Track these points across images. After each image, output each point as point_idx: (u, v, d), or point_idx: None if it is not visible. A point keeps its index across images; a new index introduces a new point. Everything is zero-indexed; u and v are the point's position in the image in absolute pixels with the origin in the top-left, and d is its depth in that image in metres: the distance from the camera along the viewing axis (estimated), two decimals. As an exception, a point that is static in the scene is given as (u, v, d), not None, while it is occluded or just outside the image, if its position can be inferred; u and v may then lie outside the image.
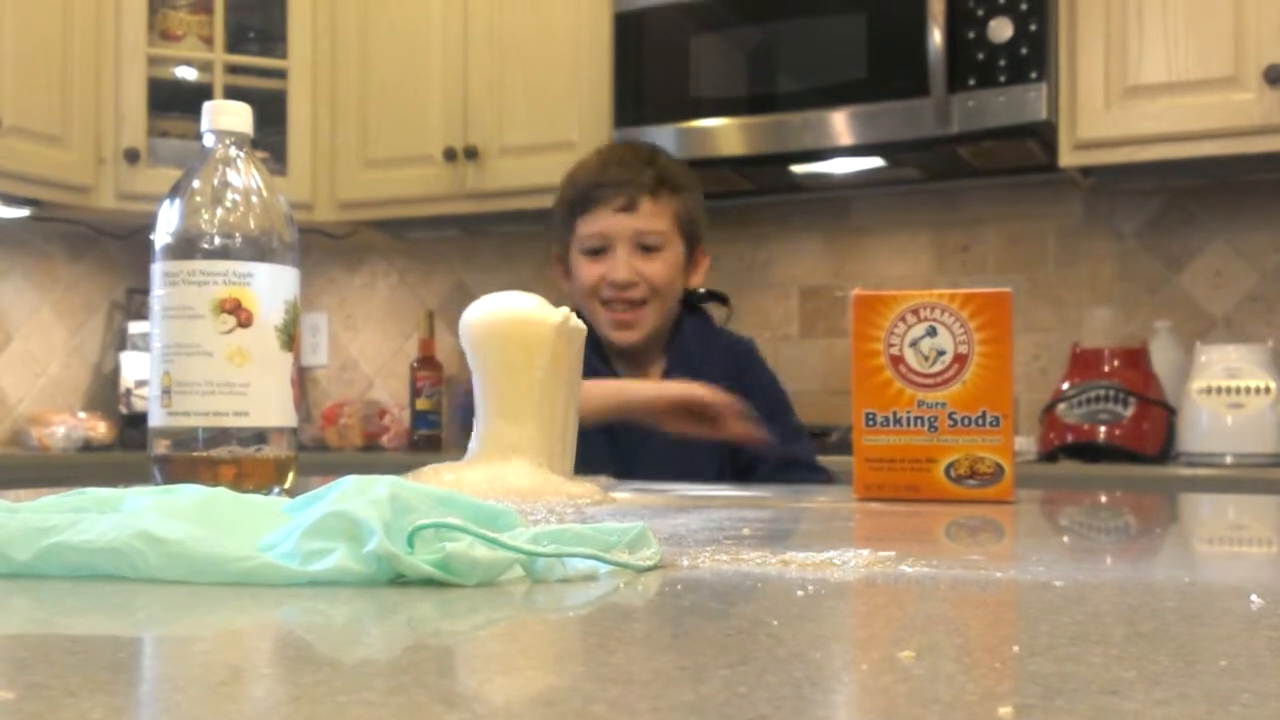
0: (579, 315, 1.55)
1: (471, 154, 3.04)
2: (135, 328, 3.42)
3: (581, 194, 1.77)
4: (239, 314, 0.94)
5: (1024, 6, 2.45)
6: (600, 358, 1.72)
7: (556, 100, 2.98)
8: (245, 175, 0.97)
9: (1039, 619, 0.41)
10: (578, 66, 2.95)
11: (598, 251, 1.73)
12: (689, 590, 0.46)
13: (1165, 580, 0.51)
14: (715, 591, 0.45)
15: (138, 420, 3.23)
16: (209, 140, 0.98)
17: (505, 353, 1.02)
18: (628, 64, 2.84)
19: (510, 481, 0.97)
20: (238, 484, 0.92)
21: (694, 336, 1.82)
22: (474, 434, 1.03)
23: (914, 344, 1.00)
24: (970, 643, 0.37)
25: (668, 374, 1.74)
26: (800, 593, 0.45)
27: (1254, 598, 0.44)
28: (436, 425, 3.34)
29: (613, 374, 1.72)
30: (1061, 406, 2.56)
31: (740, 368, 1.79)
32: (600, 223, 1.74)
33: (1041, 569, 0.52)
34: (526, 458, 1.00)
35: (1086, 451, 2.50)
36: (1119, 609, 0.43)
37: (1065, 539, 0.69)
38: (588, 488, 0.97)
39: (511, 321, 1.02)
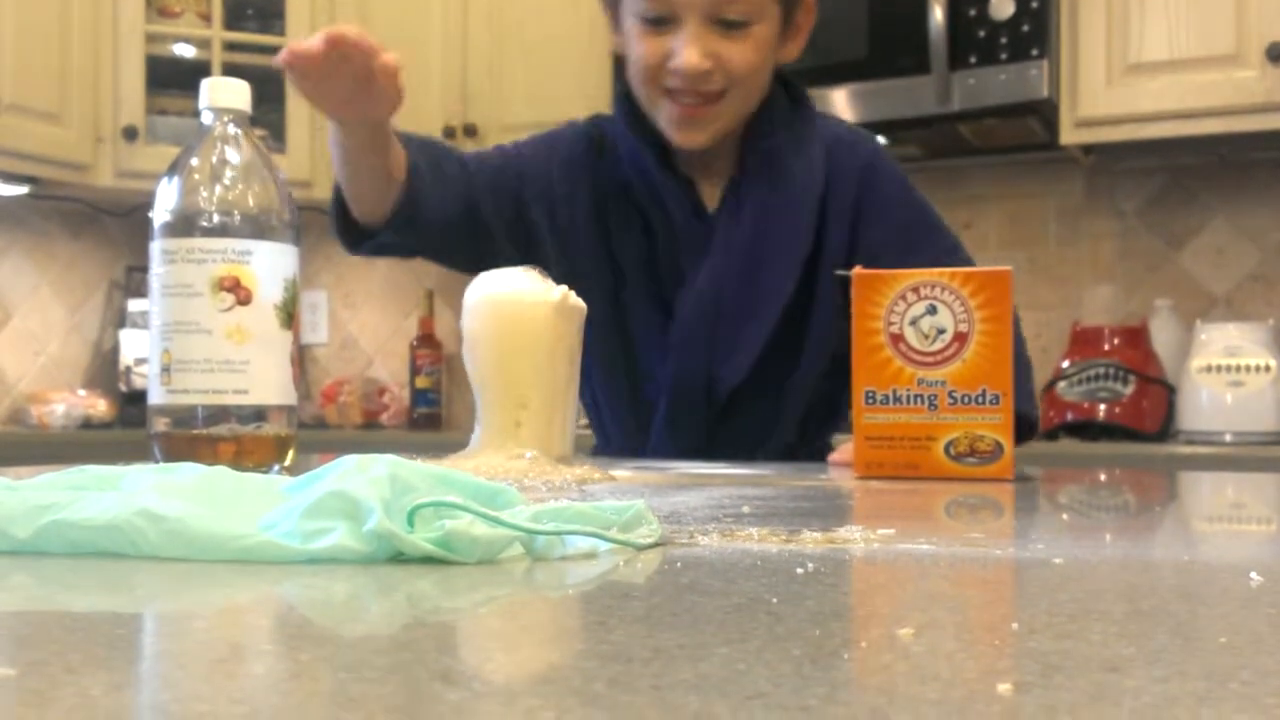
0: (628, 99, 1.38)
1: (471, 132, 3.04)
2: (135, 305, 3.42)
3: None
4: (238, 292, 0.94)
5: (1026, -17, 2.44)
6: (655, 153, 1.36)
7: (556, 78, 2.97)
8: (244, 152, 0.97)
9: (1038, 596, 0.41)
10: (577, 47, 2.94)
11: (660, 23, 1.29)
12: (689, 568, 0.46)
13: (1165, 558, 0.51)
14: (715, 569, 0.45)
15: (137, 398, 3.23)
16: (207, 118, 0.97)
17: (504, 333, 1.02)
18: (627, 41, 2.83)
19: (510, 466, 0.97)
20: (237, 462, 0.92)
21: (785, 132, 1.38)
22: (476, 417, 1.03)
23: (914, 322, 1.00)
24: (970, 620, 0.37)
25: (740, 185, 1.36)
26: (800, 570, 0.45)
27: (1254, 575, 0.44)
28: (436, 403, 3.35)
29: (670, 177, 1.36)
30: (1061, 384, 2.56)
31: (860, 181, 1.36)
32: None
33: (1041, 547, 0.52)
34: (526, 437, 1.00)
35: (1086, 429, 2.50)
36: (1118, 586, 0.43)
37: (1065, 517, 0.69)
38: (587, 467, 0.97)
39: (510, 302, 1.02)
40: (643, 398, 1.39)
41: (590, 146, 1.42)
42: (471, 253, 1.36)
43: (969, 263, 1.37)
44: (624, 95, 1.39)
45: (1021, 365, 1.37)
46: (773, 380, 1.34)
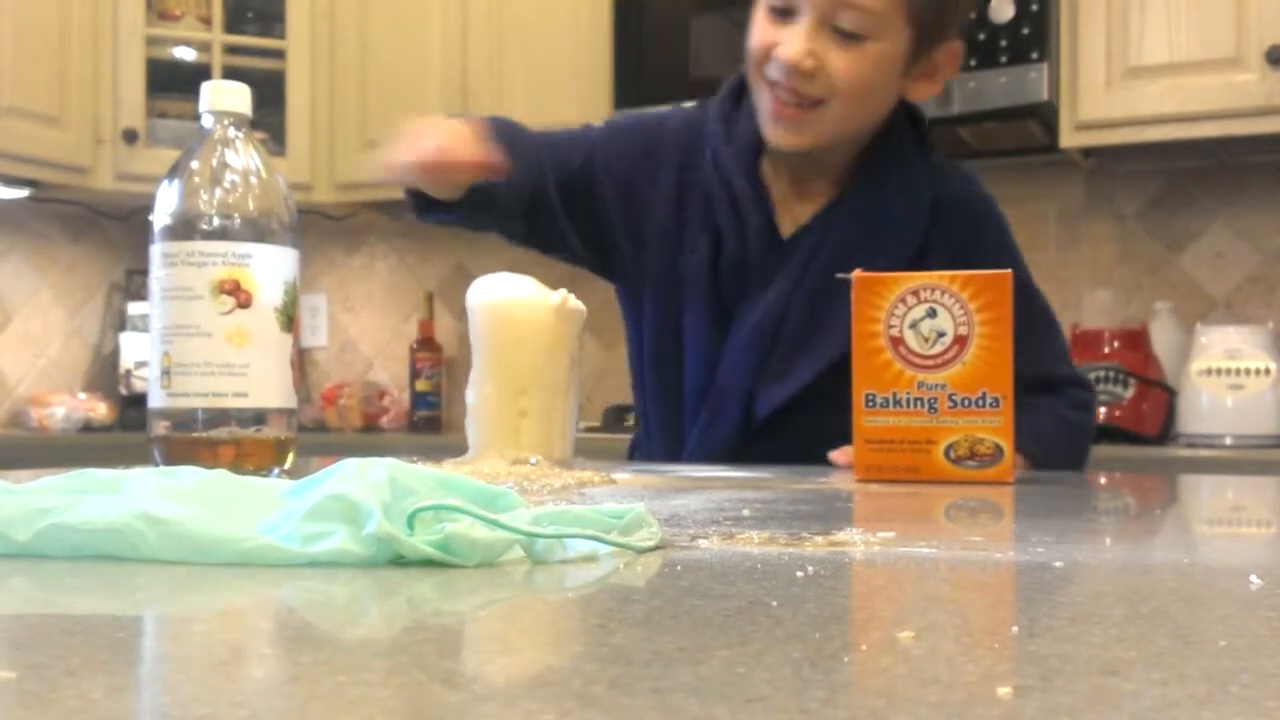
0: (729, 101, 1.35)
1: (471, 135, 3.04)
2: (135, 308, 3.42)
3: None
4: (238, 295, 0.94)
5: (1025, -14, 2.44)
6: (745, 161, 1.32)
7: (556, 80, 2.97)
8: (244, 156, 0.97)
9: (1038, 600, 0.41)
10: (578, 46, 2.94)
11: (783, 14, 1.25)
12: (689, 571, 0.46)
13: (1165, 561, 0.51)
14: (715, 572, 0.45)
15: (137, 401, 3.23)
16: (207, 121, 0.98)
17: (505, 336, 1.02)
18: (628, 43, 2.84)
19: (509, 469, 0.97)
20: (237, 465, 0.92)
21: (893, 165, 1.32)
22: (473, 415, 1.03)
23: (914, 325, 1.00)
24: (970, 623, 0.37)
25: (831, 215, 1.31)
26: (800, 573, 0.45)
27: (1253, 578, 0.44)
28: (436, 406, 3.35)
29: (754, 191, 1.31)
30: (1061, 388, 2.56)
31: (965, 230, 1.31)
32: None
33: (1041, 550, 0.52)
34: (526, 439, 1.00)
35: (1086, 433, 2.50)
36: (1118, 590, 0.43)
37: (1064, 520, 0.69)
38: (587, 471, 0.97)
39: (510, 305, 1.02)
40: (684, 401, 1.38)
41: (688, 136, 1.38)
42: (540, 234, 1.36)
43: (1064, 341, 1.38)
44: (725, 97, 1.36)
45: (1048, 327, 1.37)
46: (816, 406, 1.29)
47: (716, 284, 1.34)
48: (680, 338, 1.36)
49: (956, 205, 1.33)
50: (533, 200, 1.32)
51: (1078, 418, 1.34)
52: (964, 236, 1.31)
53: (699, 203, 1.35)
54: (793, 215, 1.34)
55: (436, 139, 1.18)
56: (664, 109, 1.46)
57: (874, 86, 1.26)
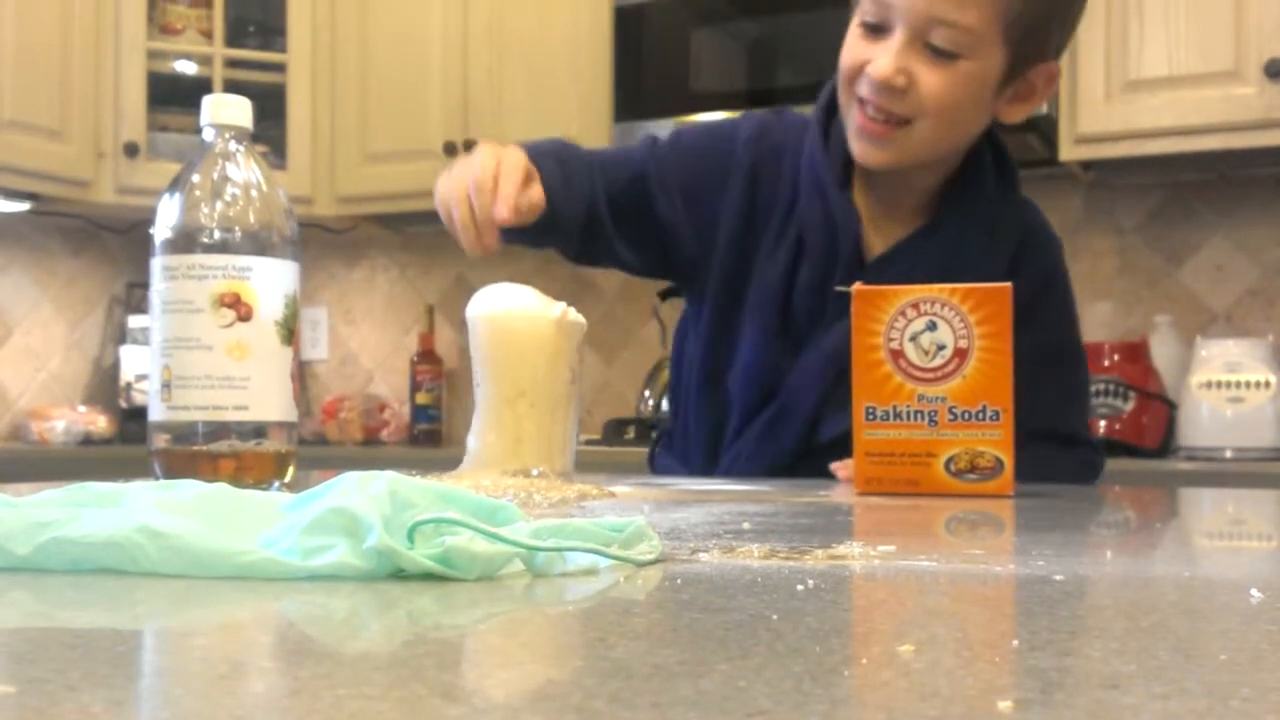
0: (825, 112, 1.32)
1: (471, 147, 3.04)
2: (135, 322, 3.42)
3: None
4: (239, 308, 0.94)
5: None
6: (839, 175, 1.31)
7: (557, 94, 2.98)
8: (245, 169, 0.97)
9: (1039, 613, 0.41)
10: (578, 60, 2.95)
11: (876, 30, 1.23)
12: (689, 584, 0.46)
13: (1165, 574, 0.51)
14: (715, 586, 0.45)
15: (138, 414, 3.23)
16: (209, 134, 0.98)
17: (505, 349, 1.02)
18: (628, 58, 2.84)
19: (510, 483, 0.97)
20: (237, 478, 0.92)
21: (979, 197, 1.31)
22: (473, 429, 1.03)
23: (914, 338, 1.00)
24: (970, 637, 0.37)
25: (917, 242, 1.30)
26: (800, 587, 0.45)
27: (1254, 592, 0.44)
28: (437, 419, 3.35)
29: (848, 205, 1.30)
30: (1062, 401, 2.56)
31: (1042, 289, 1.31)
32: None
33: (1041, 563, 0.52)
34: (526, 452, 1.00)
35: (1086, 446, 2.50)
36: (1119, 603, 0.43)
37: (1065, 533, 0.69)
38: (587, 485, 0.97)
39: (510, 317, 1.02)
40: (730, 410, 1.36)
41: (762, 144, 1.36)
42: (592, 250, 1.35)
43: (1090, 405, 1.38)
44: (822, 107, 1.34)
45: (1080, 390, 1.37)
46: None
47: (789, 298, 1.32)
48: (736, 346, 1.35)
49: (1037, 249, 1.34)
50: (587, 219, 1.31)
51: (1083, 476, 1.34)
52: (1040, 283, 1.32)
53: (779, 213, 1.34)
54: (878, 239, 1.33)
55: (483, 185, 1.16)
56: (735, 116, 1.44)
57: (964, 106, 1.24)
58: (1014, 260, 1.31)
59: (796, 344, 1.32)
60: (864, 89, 1.24)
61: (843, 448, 1.24)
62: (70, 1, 2.99)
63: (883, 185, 1.32)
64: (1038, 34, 1.23)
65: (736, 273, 1.35)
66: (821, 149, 1.32)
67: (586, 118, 2.93)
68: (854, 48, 1.25)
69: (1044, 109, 2.44)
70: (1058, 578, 0.48)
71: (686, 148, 1.39)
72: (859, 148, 1.27)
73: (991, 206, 1.32)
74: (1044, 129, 2.53)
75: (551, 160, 1.27)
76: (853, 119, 1.27)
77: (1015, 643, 0.35)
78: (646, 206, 1.36)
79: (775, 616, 0.38)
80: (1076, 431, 1.36)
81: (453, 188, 1.18)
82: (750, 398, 1.33)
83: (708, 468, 1.39)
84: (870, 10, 1.23)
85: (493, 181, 1.15)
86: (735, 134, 1.38)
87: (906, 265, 1.29)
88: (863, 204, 1.33)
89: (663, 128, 2.77)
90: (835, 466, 1.19)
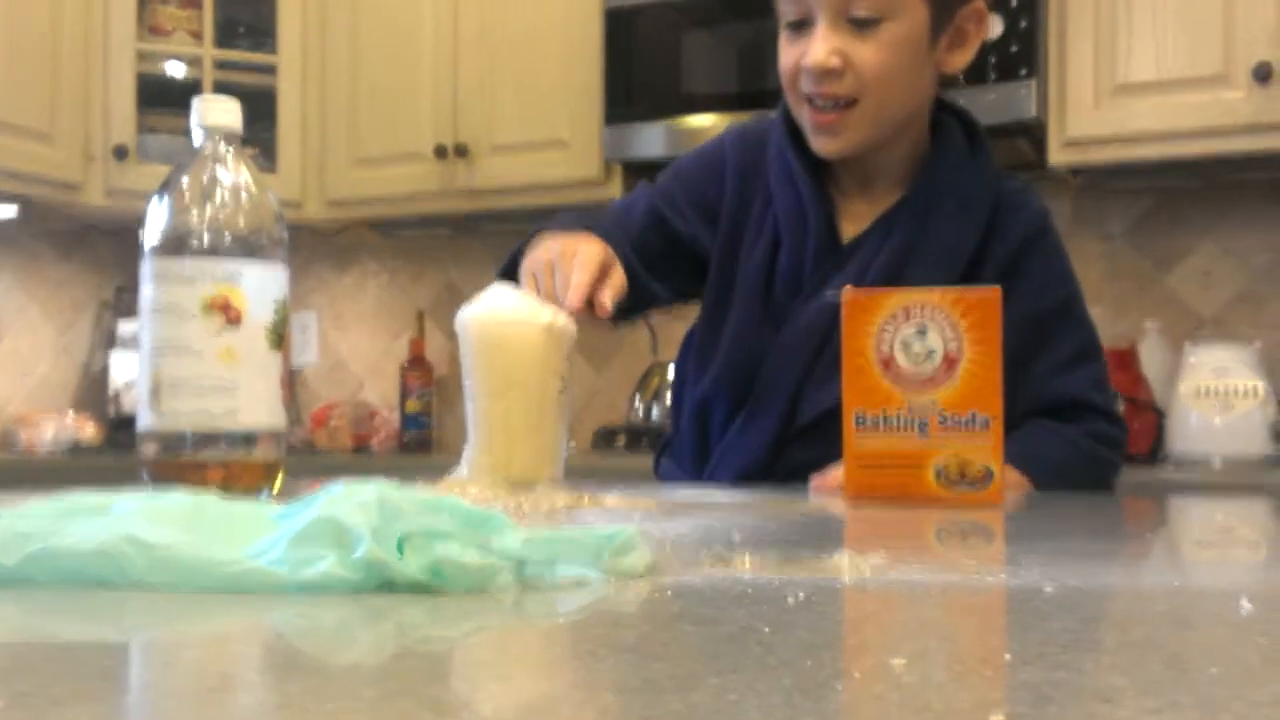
0: (787, 116, 1.34)
1: (462, 151, 3.04)
2: (125, 327, 3.41)
3: None
4: (228, 313, 0.94)
5: (1014, 3, 2.46)
6: (807, 166, 1.33)
7: (547, 97, 2.97)
8: (235, 172, 0.97)
9: (1030, 625, 0.41)
10: (569, 63, 2.95)
11: (800, 26, 1.27)
12: (679, 596, 0.46)
13: (1155, 585, 0.51)
14: (705, 598, 0.45)
15: (127, 422, 3.22)
16: (198, 137, 0.97)
17: (494, 357, 1.02)
18: (618, 61, 2.84)
19: (499, 491, 0.97)
20: (226, 486, 0.91)
21: (949, 170, 1.33)
22: (466, 438, 1.03)
23: (904, 344, 1.00)
24: (962, 649, 0.37)
25: (893, 218, 1.31)
26: (791, 599, 0.45)
27: (1244, 602, 0.44)
28: (427, 427, 3.34)
29: (817, 193, 1.32)
30: (1051, 406, 2.57)
31: (1021, 249, 1.30)
32: None
33: (1032, 574, 0.52)
34: (515, 459, 1.00)
35: (1076, 451, 2.50)
36: (1110, 615, 0.43)
37: (1055, 543, 0.69)
38: (577, 494, 0.97)
39: (499, 324, 1.02)
40: (714, 402, 1.37)
41: (746, 147, 1.40)
42: (642, 301, 1.36)
43: (1103, 370, 1.33)
44: (783, 111, 1.38)
45: (1087, 350, 1.33)
46: None
47: (770, 285, 1.35)
48: (721, 341, 1.37)
49: (1013, 212, 1.32)
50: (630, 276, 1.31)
51: (1095, 451, 1.29)
52: (1020, 241, 1.31)
53: (759, 208, 1.37)
54: (855, 222, 1.35)
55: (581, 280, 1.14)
56: (724, 119, 1.47)
57: (903, 68, 1.26)
58: (989, 227, 1.31)
59: (776, 329, 1.34)
60: (806, 84, 1.27)
61: (824, 432, 1.24)
62: (59, 2, 2.98)
63: (854, 169, 1.35)
64: None
65: (726, 270, 1.38)
66: (788, 143, 1.36)
67: (577, 120, 2.93)
68: (786, 52, 1.29)
69: (1033, 113, 2.44)
70: (1048, 589, 0.48)
71: (684, 167, 1.44)
72: (818, 143, 1.30)
73: (961, 176, 1.32)
74: (1033, 133, 2.54)
75: (600, 232, 1.28)
76: (805, 119, 1.30)
77: (1007, 656, 0.35)
78: (666, 235, 1.39)
79: (766, 629, 0.38)
80: (1084, 396, 1.30)
81: (533, 269, 1.18)
82: (734, 384, 1.35)
83: (699, 467, 1.40)
84: (789, 10, 1.27)
85: (567, 272, 1.15)
86: (722, 141, 1.44)
87: (879, 241, 1.31)
88: (838, 191, 1.36)
89: (654, 130, 2.78)
90: (815, 480, 1.18)
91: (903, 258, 1.30)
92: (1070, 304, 1.33)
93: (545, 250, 1.18)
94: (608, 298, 1.13)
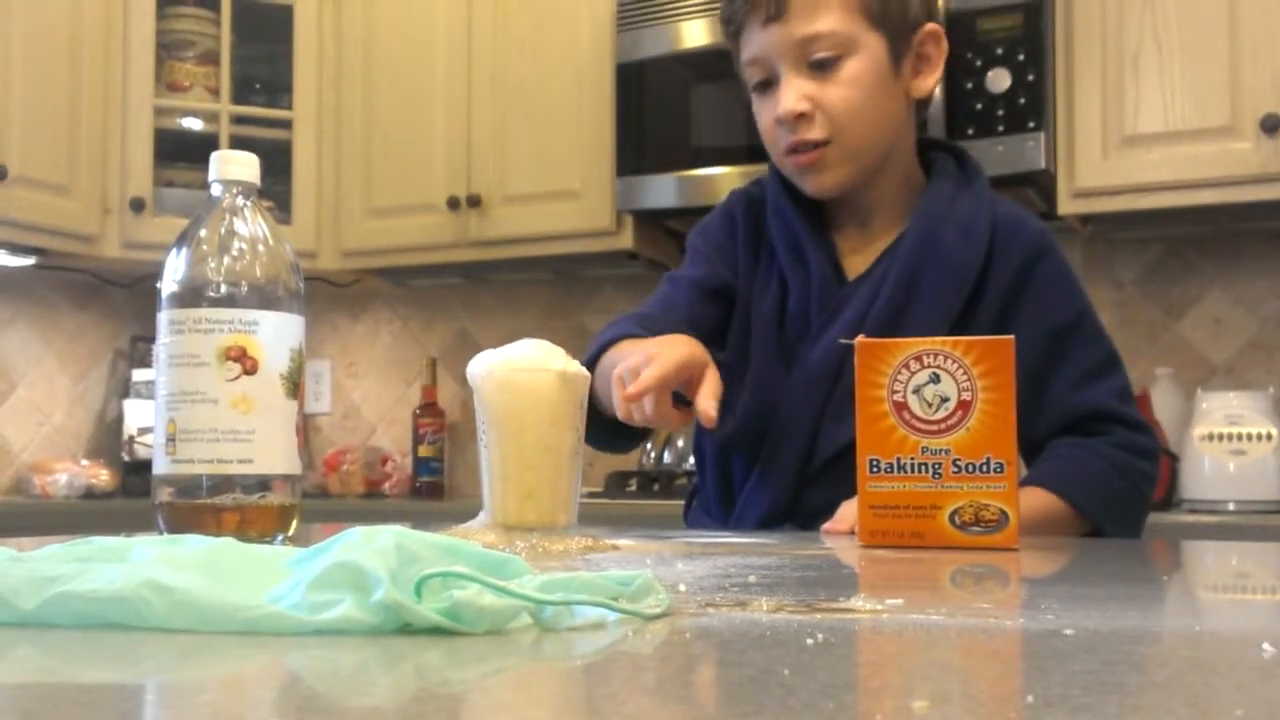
0: (777, 173, 1.36)
1: (475, 202, 3.06)
2: (139, 375, 3.42)
3: (727, 10, 1.34)
4: (244, 361, 0.94)
5: (1021, 57, 2.47)
6: (803, 212, 1.35)
7: (559, 149, 2.99)
8: (252, 224, 0.97)
9: (1051, 668, 0.40)
10: (580, 116, 2.97)
11: (767, 85, 1.32)
12: (698, 638, 0.45)
13: (1175, 628, 0.51)
14: (724, 640, 0.45)
15: (140, 468, 3.22)
16: (216, 190, 0.98)
17: (508, 403, 1.02)
18: (630, 114, 2.86)
19: (515, 536, 0.97)
20: (241, 531, 0.91)
21: (945, 199, 1.34)
22: (482, 484, 1.03)
23: (917, 390, 1.00)
24: (983, 692, 0.37)
25: (892, 251, 1.32)
26: (810, 641, 0.44)
27: (1266, 646, 0.44)
28: (439, 472, 3.33)
29: (814, 236, 1.35)
30: (1063, 453, 2.55)
31: (1022, 269, 1.30)
32: (751, 44, 1.31)
33: (1051, 617, 0.52)
34: (531, 507, 1.00)
35: (1089, 498, 2.48)
36: (1131, 657, 0.42)
37: (1072, 586, 0.69)
38: (591, 538, 0.97)
39: (512, 371, 1.02)
40: (740, 450, 1.37)
41: (752, 201, 1.43)
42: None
43: (1124, 381, 1.31)
44: (774, 167, 1.41)
45: (1105, 362, 1.30)
46: None
47: (782, 330, 1.36)
48: (743, 390, 1.37)
49: (1013, 233, 1.32)
50: None
51: (1127, 461, 1.26)
52: (1022, 263, 1.31)
53: (765, 261, 1.40)
54: (858, 260, 1.37)
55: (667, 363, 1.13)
56: (723, 202, 1.49)
57: (871, 99, 1.29)
58: (990, 250, 1.31)
59: (789, 372, 1.35)
60: (783, 137, 1.31)
61: (843, 471, 1.23)
62: (79, 59, 3.01)
63: (850, 209, 1.37)
64: (899, 6, 1.29)
65: (742, 321, 1.39)
66: (782, 193, 1.38)
67: (589, 173, 2.94)
68: (761, 113, 1.34)
69: (1042, 164, 2.45)
70: (1068, 631, 0.47)
71: (704, 228, 1.46)
72: (807, 184, 1.33)
73: (959, 204, 1.33)
74: (1041, 184, 2.55)
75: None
76: (790, 168, 1.34)
77: (1029, 698, 0.35)
78: (716, 299, 1.40)
79: (786, 671, 0.38)
80: (1107, 407, 1.28)
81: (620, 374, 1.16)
82: (753, 429, 1.35)
83: (725, 515, 1.41)
84: (754, 73, 1.32)
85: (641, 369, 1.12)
86: (728, 203, 1.46)
87: (881, 277, 1.32)
88: (839, 233, 1.38)
89: (665, 182, 2.80)
90: (826, 528, 1.18)
91: (907, 289, 1.30)
92: (1082, 319, 1.32)
93: (631, 356, 1.15)
94: (711, 406, 1.09)
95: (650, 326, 1.32)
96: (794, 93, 1.28)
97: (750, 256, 1.41)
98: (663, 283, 1.45)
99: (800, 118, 1.28)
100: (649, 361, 1.11)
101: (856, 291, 1.34)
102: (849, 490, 1.15)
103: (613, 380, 1.15)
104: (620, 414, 1.15)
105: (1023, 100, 2.46)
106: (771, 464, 1.34)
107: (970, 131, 2.48)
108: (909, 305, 1.30)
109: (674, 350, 1.14)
